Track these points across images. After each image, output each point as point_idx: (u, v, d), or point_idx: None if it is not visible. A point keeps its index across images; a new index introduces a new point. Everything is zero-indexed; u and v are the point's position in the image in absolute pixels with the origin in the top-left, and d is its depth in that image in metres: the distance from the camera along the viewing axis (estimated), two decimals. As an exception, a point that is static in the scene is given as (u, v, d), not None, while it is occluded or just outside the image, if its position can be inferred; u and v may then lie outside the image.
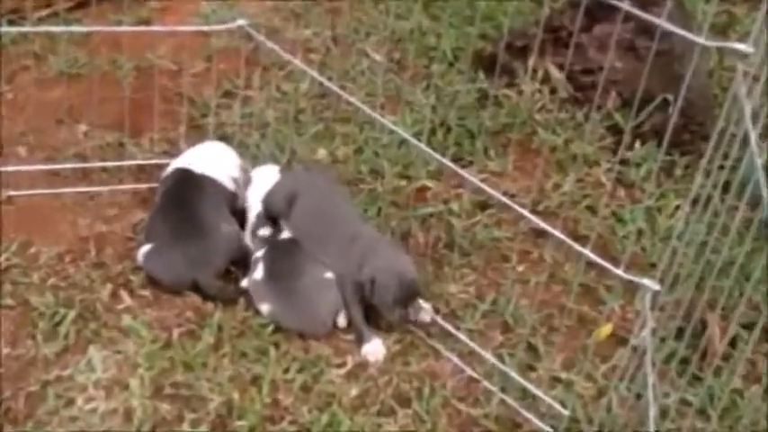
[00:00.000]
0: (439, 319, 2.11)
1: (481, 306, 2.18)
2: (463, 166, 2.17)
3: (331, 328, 2.08)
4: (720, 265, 1.74)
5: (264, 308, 2.08)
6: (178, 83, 2.53)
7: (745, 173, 1.70)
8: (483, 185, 1.95)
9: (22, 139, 2.35)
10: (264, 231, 2.16)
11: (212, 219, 2.15)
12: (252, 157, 2.45)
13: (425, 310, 2.12)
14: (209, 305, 2.09)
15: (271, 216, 2.18)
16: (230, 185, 2.28)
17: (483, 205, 2.41)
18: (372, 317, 2.07)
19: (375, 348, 2.04)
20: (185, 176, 2.24)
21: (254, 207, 2.22)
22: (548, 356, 2.05)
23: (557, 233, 1.82)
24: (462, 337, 2.08)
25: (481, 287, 2.22)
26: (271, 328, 2.06)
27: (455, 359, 2.05)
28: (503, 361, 2.04)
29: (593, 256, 1.78)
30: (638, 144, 2.65)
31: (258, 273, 2.11)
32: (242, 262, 2.16)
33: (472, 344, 2.06)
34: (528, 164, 2.59)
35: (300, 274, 2.09)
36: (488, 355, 2.03)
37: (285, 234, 2.18)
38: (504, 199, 1.92)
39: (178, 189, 2.21)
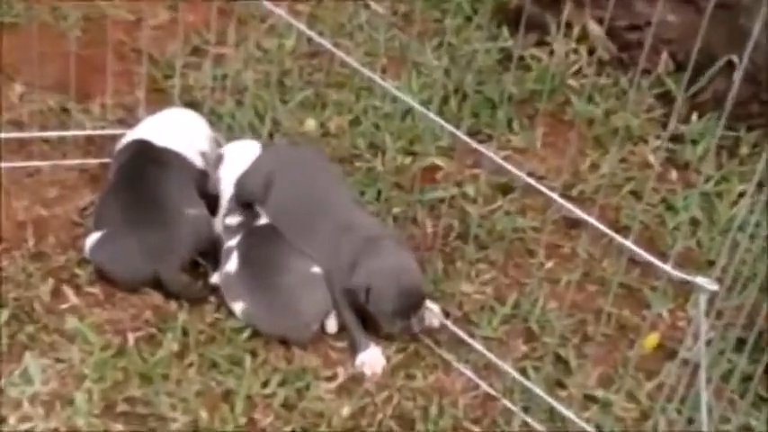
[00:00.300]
0: (449, 325, 2.14)
1: (501, 309, 2.22)
2: (481, 141, 2.19)
3: (319, 333, 2.11)
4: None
5: (238, 308, 2.11)
6: (136, 37, 2.55)
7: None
8: (504, 164, 1.96)
9: (-59, 102, 2.35)
10: (232, 220, 2.19)
11: (176, 201, 2.17)
12: (226, 129, 2.49)
13: (433, 314, 2.14)
14: (173, 305, 2.11)
15: (244, 201, 2.21)
16: (198, 162, 2.31)
17: (504, 188, 2.45)
18: (369, 320, 2.10)
19: (372, 358, 2.07)
20: (144, 150, 2.26)
21: (226, 190, 2.25)
22: (580, 371, 2.08)
23: (593, 222, 1.84)
24: (477, 346, 2.10)
25: (501, 287, 2.25)
26: (246, 332, 2.09)
27: (468, 372, 2.08)
28: (526, 375, 2.07)
29: (637, 250, 1.80)
30: (694, 116, 2.68)
31: (231, 265, 2.13)
32: (212, 253, 2.19)
33: (489, 354, 2.08)
34: (559, 139, 2.63)
35: (282, 267, 2.11)
36: (509, 368, 2.06)
37: (263, 219, 2.20)
38: (530, 181, 1.93)
39: (135, 165, 2.23)
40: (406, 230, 2.30)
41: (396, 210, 2.39)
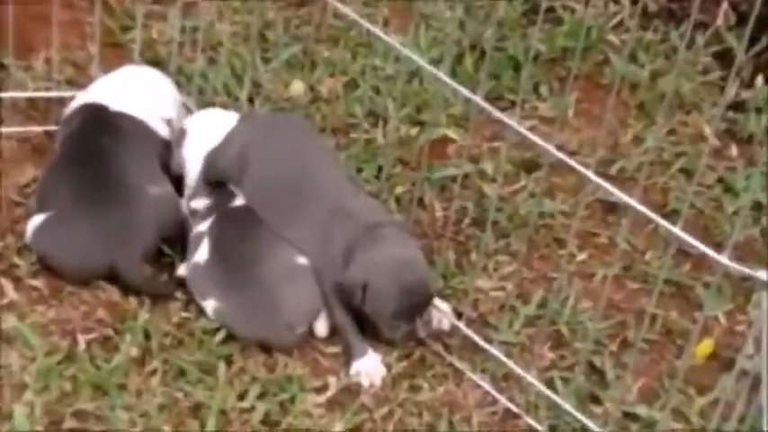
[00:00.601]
0: (462, 327, 2.14)
1: (523, 309, 2.22)
2: (502, 109, 2.15)
3: (306, 336, 2.12)
4: None
5: (210, 305, 2.13)
6: (87, -21, 2.57)
7: None
8: (529, 136, 1.97)
9: None
10: (198, 203, 2.22)
11: (136, 177, 2.19)
12: (196, 92, 2.49)
13: (443, 315, 2.16)
14: (132, 301, 2.12)
15: (215, 180, 2.24)
16: (162, 130, 2.33)
17: (529, 165, 2.48)
18: (367, 321, 2.12)
19: (370, 367, 2.08)
20: (97, 116, 2.26)
21: (192, 169, 2.28)
22: (619, 383, 2.09)
23: (635, 205, 1.84)
24: (495, 352, 2.10)
25: (524, 283, 2.26)
26: (220, 335, 2.10)
27: (485, 384, 2.09)
28: (553, 388, 2.07)
29: (687, 239, 1.81)
30: (758, 80, 2.68)
31: (201, 254, 2.16)
32: (179, 239, 2.21)
33: (510, 363, 2.08)
34: (596, 106, 2.65)
35: (262, 257, 2.13)
36: (533, 379, 2.07)
37: (239, 200, 2.22)
38: (561, 156, 1.94)
39: (86, 134, 2.24)
40: (411, 215, 2.30)
41: (399, 190, 2.41)
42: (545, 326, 2.16)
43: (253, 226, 2.19)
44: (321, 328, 2.15)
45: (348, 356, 2.11)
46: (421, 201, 2.39)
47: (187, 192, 2.30)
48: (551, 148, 1.94)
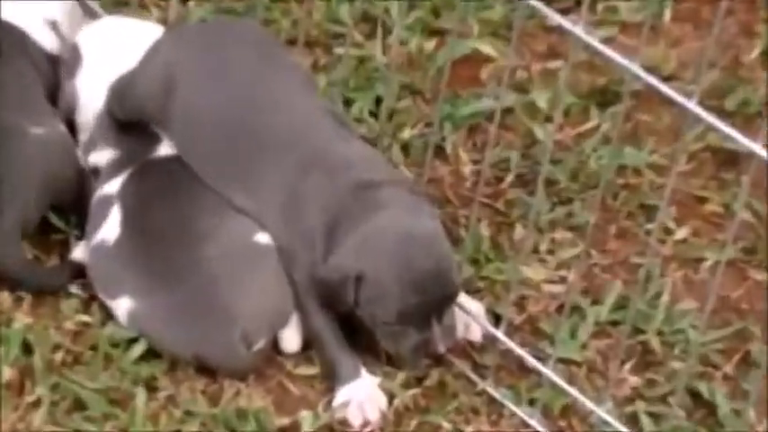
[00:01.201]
0: (501, 337, 2.12)
1: (592, 312, 2.23)
2: (563, 12, 2.12)
3: (268, 351, 2.12)
4: None
5: (123, 306, 2.13)
6: None
7: None
8: (605, 51, 1.94)
9: None
10: (99, 156, 2.25)
11: (10, 112, 2.20)
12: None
13: (472, 318, 2.15)
14: (5, 297, 2.13)
15: (127, 118, 2.26)
16: (46, 41, 2.34)
17: (602, 96, 2.47)
18: (361, 330, 2.14)
19: (364, 395, 2.09)
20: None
21: (89, 106, 2.31)
22: (735, 418, 2.09)
23: (764, 155, 1.82)
24: (551, 375, 2.09)
25: (593, 272, 2.26)
26: (137, 349, 2.10)
27: (534, 423, 2.08)
28: (638, 427, 2.08)
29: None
30: None
31: (109, 229, 2.16)
32: (76, 206, 2.23)
33: (572, 391, 2.07)
34: (705, 6, 2.64)
35: (201, 233, 2.14)
36: (606, 415, 2.06)
37: (164, 149, 2.23)
38: (652, 82, 1.91)
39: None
40: (425, 170, 2.28)
41: (407, 133, 2.40)
42: (625, 336, 2.13)
43: (186, 187, 2.20)
44: (291, 339, 2.16)
45: (331, 381, 2.12)
46: (440, 149, 2.39)
47: (83, 139, 2.31)
48: (636, 70, 1.91)
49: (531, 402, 2.13)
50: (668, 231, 2.37)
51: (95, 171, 2.27)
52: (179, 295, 2.13)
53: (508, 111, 2.45)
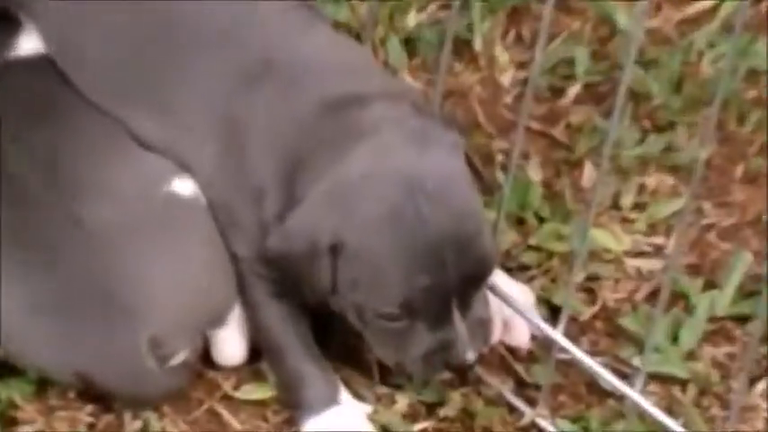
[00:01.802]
0: (561, 341, 1.84)
1: (703, 300, 1.96)
2: None
3: (196, 365, 1.87)
4: None
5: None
6: None
7: None
8: None
9: None
10: None
11: None
12: None
13: (517, 310, 1.89)
14: None
15: None
16: None
17: None
18: (345, 336, 1.92)
19: (342, 430, 1.85)
20: None
21: None
22: None
23: None
24: (637, 398, 1.80)
25: (705, 240, 2.04)
26: None
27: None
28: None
29: None
30: None
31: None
32: None
33: (670, 422, 1.79)
34: None
35: (84, 178, 1.85)
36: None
37: (31, 43, 1.97)
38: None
39: None
40: (440, 77, 1.97)
41: (413, 19, 2.16)
42: (756, 340, 1.78)
43: (61, 106, 1.91)
44: (230, 347, 1.90)
45: (293, 409, 1.85)
46: (465, 44, 2.15)
47: None
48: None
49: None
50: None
51: None
52: (51, 281, 1.81)
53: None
